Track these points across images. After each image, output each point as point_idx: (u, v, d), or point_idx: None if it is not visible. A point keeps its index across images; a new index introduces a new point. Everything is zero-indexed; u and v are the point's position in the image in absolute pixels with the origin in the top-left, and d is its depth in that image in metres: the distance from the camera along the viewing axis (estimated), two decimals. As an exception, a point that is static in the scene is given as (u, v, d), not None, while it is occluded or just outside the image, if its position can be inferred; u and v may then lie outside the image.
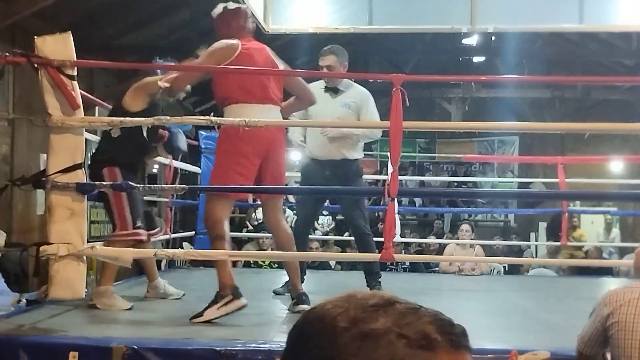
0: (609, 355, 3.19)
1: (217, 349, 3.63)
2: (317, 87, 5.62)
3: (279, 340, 3.89)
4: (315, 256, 5.55)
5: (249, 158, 4.74)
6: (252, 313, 4.94)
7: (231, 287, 4.58)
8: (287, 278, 5.49)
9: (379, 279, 5.73)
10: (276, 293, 5.65)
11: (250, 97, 4.76)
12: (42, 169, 8.78)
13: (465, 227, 9.24)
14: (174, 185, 4.44)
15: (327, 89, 5.77)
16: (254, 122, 4.18)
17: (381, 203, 10.97)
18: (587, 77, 14.32)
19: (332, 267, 10.09)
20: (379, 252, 4.37)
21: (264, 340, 3.78)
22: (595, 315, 3.24)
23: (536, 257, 12.99)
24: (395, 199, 4.24)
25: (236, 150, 4.70)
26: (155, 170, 12.89)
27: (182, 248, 8.95)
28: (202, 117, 4.54)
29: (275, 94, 4.90)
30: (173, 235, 7.20)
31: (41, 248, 3.93)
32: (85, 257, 4.06)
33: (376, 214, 13.59)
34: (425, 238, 13.67)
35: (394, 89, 4.04)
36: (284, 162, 5.09)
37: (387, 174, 11.43)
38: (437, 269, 9.69)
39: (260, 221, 12.00)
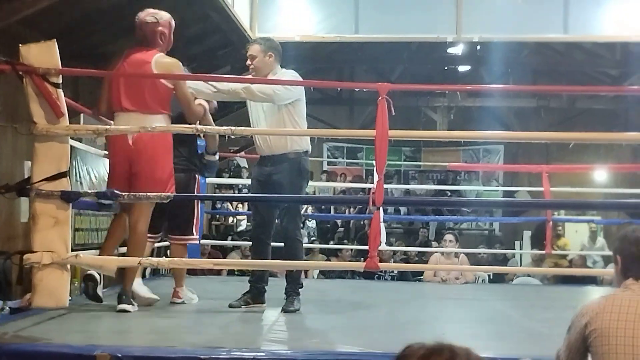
0: None
1: (201, 357, 3.61)
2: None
3: (264, 348, 3.89)
4: (297, 265, 5.50)
5: (114, 166, 5.23)
6: (238, 320, 4.94)
7: None
8: (245, 289, 5.53)
9: (299, 289, 5.52)
10: (231, 306, 5.43)
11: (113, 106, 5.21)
12: (26, 176, 8.76)
13: (449, 237, 9.24)
14: (160, 194, 4.40)
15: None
16: (239, 130, 4.19)
17: (367, 211, 10.98)
18: (572, 87, 14.46)
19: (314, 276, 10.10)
20: (364, 261, 4.37)
21: (248, 349, 3.77)
22: (574, 328, 3.24)
23: (521, 265, 13.02)
24: (381, 208, 4.25)
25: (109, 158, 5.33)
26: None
27: (167, 255, 8.93)
28: (187, 126, 4.56)
29: (132, 103, 5.08)
30: (158, 244, 7.15)
31: (25, 256, 3.91)
32: (69, 266, 4.04)
33: (362, 222, 13.64)
34: (411, 246, 13.66)
35: (380, 98, 4.05)
36: (155, 168, 5.02)
37: (372, 182, 11.46)
38: (421, 277, 9.69)
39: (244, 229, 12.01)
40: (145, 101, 5.04)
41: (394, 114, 4.09)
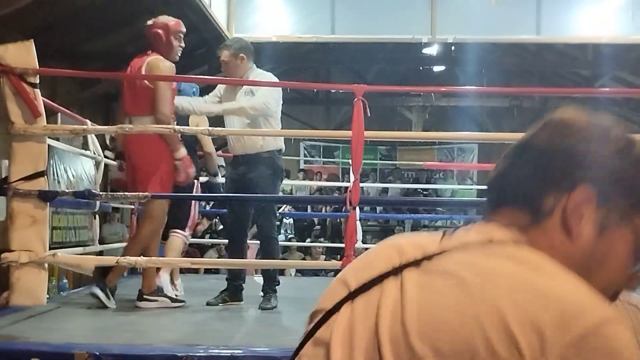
0: None
1: (179, 354, 3.60)
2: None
3: (241, 344, 3.88)
4: (274, 264, 5.51)
5: (127, 167, 5.29)
6: (215, 318, 4.94)
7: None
8: (222, 287, 5.55)
9: (276, 287, 5.52)
10: (209, 304, 5.44)
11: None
12: (3, 175, 8.70)
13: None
14: (137, 194, 4.40)
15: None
16: (217, 131, 4.19)
17: (343, 210, 11.00)
18: (545, 88, 14.50)
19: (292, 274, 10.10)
20: (340, 260, 4.39)
21: (226, 346, 3.77)
22: None
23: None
24: (357, 207, 4.26)
25: None
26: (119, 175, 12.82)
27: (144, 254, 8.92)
28: (164, 127, 4.55)
29: (130, 107, 5.16)
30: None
31: (2, 255, 3.88)
32: (46, 265, 4.02)
33: (338, 220, 13.65)
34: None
35: (356, 100, 4.07)
36: (145, 169, 5.03)
37: (348, 180, 11.47)
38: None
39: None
40: (138, 104, 5.07)
41: (369, 115, 4.10)
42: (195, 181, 6.34)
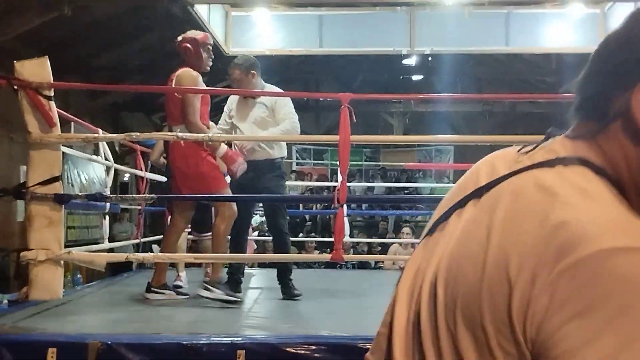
0: None
1: (184, 342, 3.59)
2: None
3: (241, 333, 3.87)
4: (272, 258, 5.51)
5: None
6: (216, 309, 4.92)
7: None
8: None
9: (291, 276, 5.55)
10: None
11: None
12: (21, 179, 8.66)
13: (406, 230, 9.39)
14: (144, 195, 4.41)
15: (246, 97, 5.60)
16: (217, 137, 4.18)
17: (332, 207, 10.99)
18: (513, 94, 14.55)
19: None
20: (330, 253, 4.37)
21: (226, 334, 3.75)
22: None
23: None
24: (345, 205, 4.25)
25: None
26: (126, 179, 12.77)
27: (152, 250, 8.90)
28: (169, 134, 4.54)
29: (169, 117, 5.20)
30: (144, 239, 7.13)
31: (22, 254, 3.88)
32: (62, 262, 4.00)
33: (327, 216, 13.64)
34: (372, 238, 13.71)
35: (342, 107, 4.06)
36: (181, 174, 4.99)
37: (336, 181, 11.48)
38: (382, 266, 9.74)
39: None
40: (172, 114, 5.06)
41: (355, 120, 4.10)
42: None
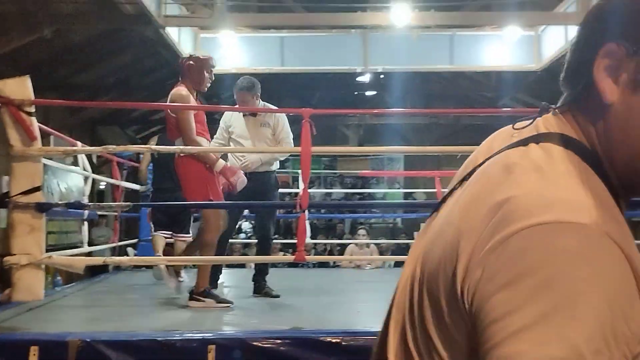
0: None
1: (158, 339, 3.55)
2: (237, 112, 5.57)
3: (212, 329, 3.83)
4: (234, 259, 5.47)
5: None
6: (189, 308, 4.87)
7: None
8: None
9: (266, 277, 5.51)
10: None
11: None
12: (3, 189, 8.51)
13: (361, 231, 9.46)
14: (121, 203, 4.35)
15: (246, 113, 5.55)
16: (188, 149, 4.15)
17: (294, 212, 10.97)
18: (457, 109, 14.68)
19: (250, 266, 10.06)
20: (292, 254, 4.37)
21: (198, 330, 3.72)
22: None
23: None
24: (306, 210, 4.25)
25: None
26: (102, 187, 12.59)
27: (127, 253, 8.79)
28: (142, 146, 4.49)
29: (168, 133, 5.04)
30: (120, 243, 7.04)
31: (5, 258, 3.81)
32: (43, 265, 3.93)
33: (289, 221, 13.62)
34: (330, 239, 13.72)
35: (304, 121, 4.07)
36: (186, 184, 4.83)
37: (298, 187, 11.48)
38: (340, 264, 9.75)
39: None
40: (170, 130, 4.91)
41: (315, 133, 4.11)
42: None
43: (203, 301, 4.71)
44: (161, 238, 6.30)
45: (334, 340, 3.58)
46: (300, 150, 4.12)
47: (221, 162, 4.79)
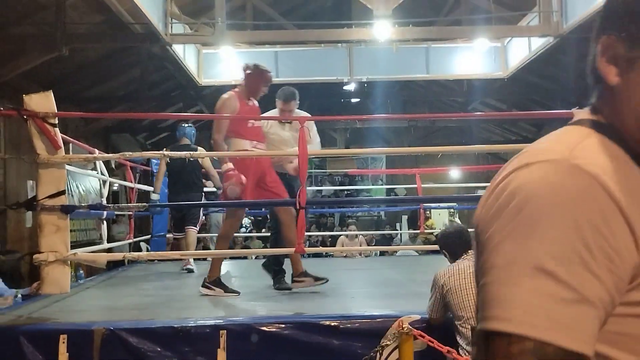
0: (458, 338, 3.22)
1: (175, 326, 3.54)
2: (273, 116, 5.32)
3: (222, 316, 3.81)
4: (242, 252, 5.43)
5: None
6: (200, 297, 4.84)
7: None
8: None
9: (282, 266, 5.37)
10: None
11: None
12: (28, 193, 8.43)
13: (352, 227, 9.44)
14: (137, 204, 4.32)
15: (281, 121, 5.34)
16: (197, 154, 4.11)
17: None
18: (432, 114, 14.73)
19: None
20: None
21: (210, 317, 3.70)
22: (434, 289, 3.36)
23: (401, 241, 13.11)
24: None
25: None
26: (115, 188, 12.52)
27: (140, 248, 8.76)
28: (156, 152, 4.45)
29: None
30: (135, 239, 7.01)
31: (34, 256, 3.78)
32: (69, 261, 3.90)
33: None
34: (321, 231, 13.70)
35: (301, 127, 4.05)
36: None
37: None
38: (332, 254, 9.75)
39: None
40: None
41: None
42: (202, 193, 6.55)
43: (213, 289, 4.68)
44: (194, 233, 6.47)
45: (332, 324, 3.57)
46: (298, 153, 4.10)
47: (225, 165, 4.69)
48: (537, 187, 0.71)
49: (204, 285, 4.70)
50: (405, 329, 2.79)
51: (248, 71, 4.89)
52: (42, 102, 3.83)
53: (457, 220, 13.60)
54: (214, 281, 4.71)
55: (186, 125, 6.83)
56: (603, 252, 0.69)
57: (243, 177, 4.57)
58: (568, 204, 0.70)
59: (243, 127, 4.78)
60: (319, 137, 5.41)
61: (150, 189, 7.86)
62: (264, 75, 4.94)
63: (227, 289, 4.72)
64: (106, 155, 4.36)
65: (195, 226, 6.56)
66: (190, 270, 6.40)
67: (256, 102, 4.99)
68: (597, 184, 0.71)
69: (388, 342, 3.05)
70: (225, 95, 4.80)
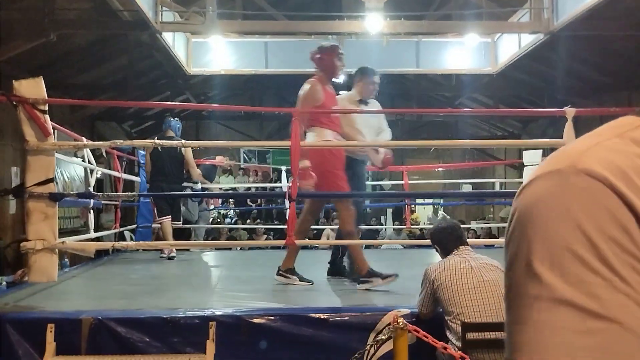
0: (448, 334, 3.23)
1: (164, 316, 3.52)
2: (352, 99, 5.05)
3: (212, 307, 3.80)
4: (236, 243, 5.41)
5: None
6: (189, 288, 4.83)
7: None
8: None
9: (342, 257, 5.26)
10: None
11: None
12: (12, 179, 8.35)
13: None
14: (127, 193, 4.28)
15: (361, 101, 5.06)
16: (189, 144, 4.08)
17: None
18: (420, 109, 14.78)
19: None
20: (274, 237, 4.34)
21: (200, 308, 3.69)
22: (425, 284, 3.37)
23: (386, 234, 13.12)
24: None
25: None
26: (99, 175, 12.44)
27: (125, 237, 8.71)
28: (148, 141, 4.42)
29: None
30: (121, 229, 6.97)
31: (22, 244, 3.75)
32: (57, 250, 3.87)
33: (270, 206, 13.57)
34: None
35: (293, 119, 4.03)
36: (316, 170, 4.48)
37: (277, 177, 11.46)
38: (317, 246, 9.73)
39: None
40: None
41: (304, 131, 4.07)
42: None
43: (288, 277, 4.65)
44: (169, 222, 6.58)
45: (322, 317, 3.58)
46: (291, 145, 4.07)
47: (306, 162, 4.38)
48: (533, 211, 0.61)
49: (278, 274, 4.67)
50: (400, 323, 2.79)
51: (318, 55, 4.72)
52: (32, 88, 3.78)
53: (441, 212, 13.65)
54: (288, 269, 4.68)
55: (172, 118, 6.99)
56: (624, 261, 0.58)
57: (314, 179, 4.40)
58: (566, 216, 0.60)
59: (327, 115, 4.61)
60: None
61: (136, 178, 7.83)
62: (335, 50, 4.75)
63: (301, 278, 4.69)
64: (96, 143, 4.33)
65: (177, 218, 6.75)
66: (171, 258, 6.57)
67: (332, 88, 4.81)
68: (604, 189, 0.60)
69: (383, 337, 3.06)
70: (307, 85, 4.62)
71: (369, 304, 3.78)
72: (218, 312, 3.59)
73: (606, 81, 11.00)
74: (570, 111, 4.01)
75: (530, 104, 12.74)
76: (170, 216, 6.64)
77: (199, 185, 6.86)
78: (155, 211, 6.57)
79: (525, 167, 5.86)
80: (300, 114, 4.29)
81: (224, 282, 5.28)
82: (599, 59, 10.33)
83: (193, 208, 7.65)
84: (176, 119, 7.02)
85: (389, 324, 3.30)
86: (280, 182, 9.18)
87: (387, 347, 3.24)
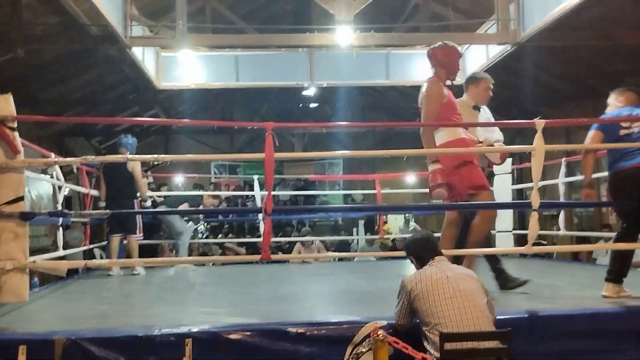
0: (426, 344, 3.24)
1: (139, 334, 3.48)
2: (467, 104, 4.91)
3: (187, 324, 3.75)
4: (202, 259, 5.36)
5: None
6: (164, 303, 4.77)
7: None
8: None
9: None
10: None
11: None
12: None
13: (307, 229, 9.42)
14: (100, 211, 4.23)
15: (475, 107, 4.97)
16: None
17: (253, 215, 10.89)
18: (388, 122, 14.98)
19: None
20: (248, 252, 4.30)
21: (175, 325, 3.64)
22: (402, 295, 3.39)
23: (358, 246, 13.07)
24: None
25: None
26: (66, 193, 12.26)
27: (94, 255, 8.61)
28: (120, 156, 4.37)
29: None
30: (91, 246, 6.89)
31: (-10, 264, 3.66)
32: (27, 269, 3.79)
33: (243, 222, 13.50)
34: (278, 237, 13.59)
35: (267, 133, 4.02)
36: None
37: (249, 191, 11.40)
38: (288, 260, 9.68)
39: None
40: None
41: (277, 145, 4.06)
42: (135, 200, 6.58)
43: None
44: (116, 240, 6.85)
45: (299, 331, 3.56)
46: (265, 157, 4.03)
47: (432, 165, 4.39)
48: None
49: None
50: (380, 335, 2.80)
51: (440, 51, 4.57)
52: (1, 105, 3.72)
53: (413, 223, 13.70)
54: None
55: (124, 135, 7.18)
56: None
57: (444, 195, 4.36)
58: None
59: (456, 112, 4.50)
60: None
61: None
62: (454, 48, 4.62)
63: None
64: (67, 159, 4.25)
65: (135, 233, 6.92)
66: (136, 274, 6.69)
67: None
68: None
69: (363, 350, 3.06)
70: (430, 84, 4.51)
71: (346, 317, 3.76)
72: (194, 329, 3.55)
73: (572, 90, 11.22)
74: (539, 123, 4.07)
75: (499, 114, 12.88)
76: (134, 233, 6.86)
77: (148, 203, 7.13)
78: (108, 226, 6.84)
79: (494, 176, 5.89)
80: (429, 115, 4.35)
81: (199, 298, 5.23)
82: (565, 69, 10.54)
83: (178, 220, 7.66)
84: (128, 135, 7.18)
85: (367, 336, 3.31)
86: (253, 191, 9.09)
87: (366, 359, 3.24)
